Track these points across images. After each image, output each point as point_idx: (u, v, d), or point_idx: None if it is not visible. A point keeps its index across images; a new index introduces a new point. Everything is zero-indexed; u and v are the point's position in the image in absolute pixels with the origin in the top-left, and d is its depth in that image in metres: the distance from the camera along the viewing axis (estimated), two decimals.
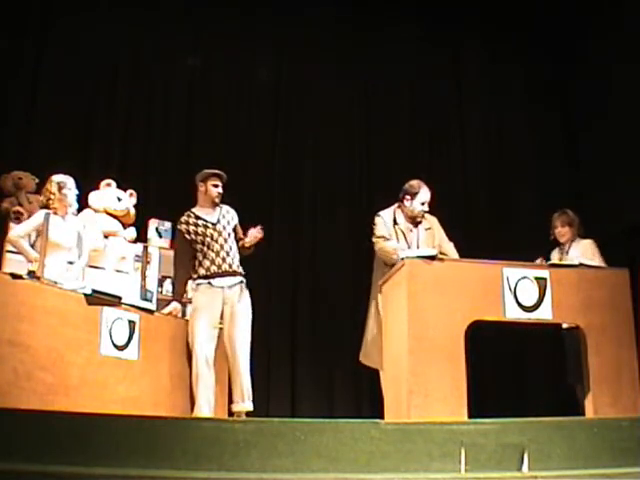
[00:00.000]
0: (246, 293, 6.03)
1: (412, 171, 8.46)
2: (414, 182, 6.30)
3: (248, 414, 5.84)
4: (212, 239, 6.02)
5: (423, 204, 6.24)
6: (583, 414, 5.69)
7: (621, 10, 7.73)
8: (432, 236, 6.27)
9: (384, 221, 6.26)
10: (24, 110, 8.07)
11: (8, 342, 5.00)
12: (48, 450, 4.05)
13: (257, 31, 8.62)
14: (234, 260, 6.05)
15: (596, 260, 6.23)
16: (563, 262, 5.99)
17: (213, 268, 5.97)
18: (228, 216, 6.19)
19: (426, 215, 6.31)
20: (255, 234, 6.15)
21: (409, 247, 6.13)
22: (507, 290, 5.49)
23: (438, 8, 8.90)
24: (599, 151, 8.11)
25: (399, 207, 6.32)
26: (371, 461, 4.23)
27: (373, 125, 8.87)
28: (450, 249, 6.31)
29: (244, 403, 5.84)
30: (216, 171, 6.16)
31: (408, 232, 6.23)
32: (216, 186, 6.13)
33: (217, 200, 6.14)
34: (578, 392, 6.33)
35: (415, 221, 6.27)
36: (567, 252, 6.50)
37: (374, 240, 6.26)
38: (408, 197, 6.25)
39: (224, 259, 6.00)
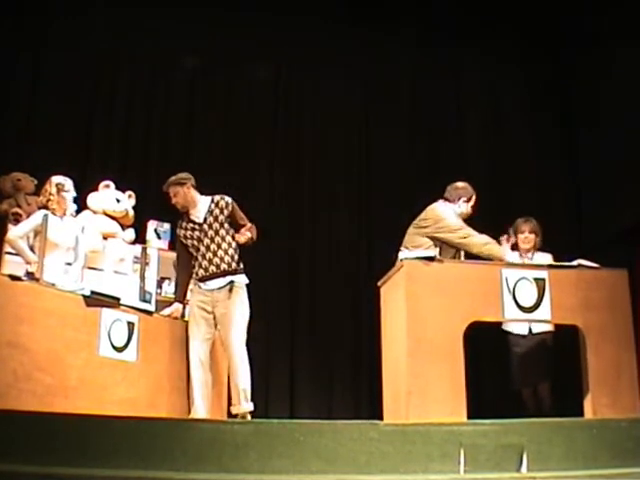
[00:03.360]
0: (237, 293, 5.92)
1: (410, 171, 8.54)
2: (467, 185, 6.29)
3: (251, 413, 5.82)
4: (198, 241, 5.98)
5: (473, 208, 6.26)
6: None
7: (621, 10, 7.71)
8: None
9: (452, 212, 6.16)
10: (23, 111, 8.07)
11: (7, 344, 5.02)
12: (47, 451, 4.07)
13: (257, 32, 8.60)
14: (223, 259, 5.93)
15: None
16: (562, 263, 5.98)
17: (201, 272, 5.95)
18: (217, 209, 6.04)
19: None
20: (246, 234, 6.01)
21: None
22: (506, 291, 5.49)
23: (436, 8, 8.88)
24: (598, 152, 8.09)
25: (455, 205, 6.23)
26: (370, 462, 4.24)
27: (372, 125, 8.85)
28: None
29: (240, 405, 5.77)
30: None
31: None
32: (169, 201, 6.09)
33: (180, 208, 6.05)
34: (525, 396, 6.54)
35: None
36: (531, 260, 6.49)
37: (458, 228, 6.04)
38: (465, 199, 6.23)
39: (210, 260, 5.93)
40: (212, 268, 5.93)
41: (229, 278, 5.93)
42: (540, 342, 6.45)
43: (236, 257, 5.99)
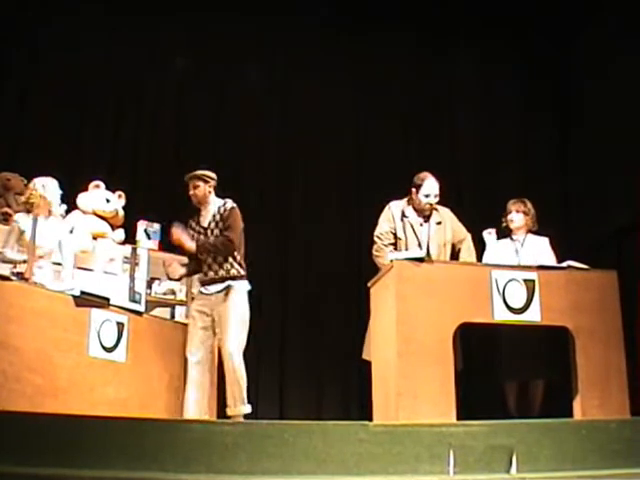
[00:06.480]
0: (233, 296, 5.82)
1: (404, 172, 8.53)
2: (421, 174, 6.23)
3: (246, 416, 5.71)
4: None
5: (427, 196, 6.16)
6: (512, 417, 5.79)
7: (620, 10, 7.70)
8: (443, 231, 6.22)
9: (391, 213, 6.20)
10: (14, 111, 8.06)
11: None
12: (36, 452, 4.05)
13: (250, 32, 8.60)
14: (222, 265, 5.86)
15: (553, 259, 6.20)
16: (551, 264, 5.97)
17: (201, 276, 5.94)
18: (219, 215, 5.96)
19: (438, 208, 6.26)
20: (174, 267, 6.09)
21: (418, 242, 6.09)
22: (495, 292, 5.50)
23: (432, 8, 8.88)
24: (588, 154, 8.11)
25: (410, 199, 6.25)
26: (359, 463, 4.23)
27: (367, 125, 8.84)
28: (465, 244, 6.30)
29: (235, 407, 5.68)
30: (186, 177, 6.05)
31: (418, 226, 6.17)
32: (187, 189, 6.01)
33: (195, 202, 5.99)
34: (507, 391, 6.22)
35: (424, 214, 6.21)
36: (522, 244, 6.33)
37: (375, 236, 6.20)
38: (414, 189, 6.20)
39: (210, 266, 5.88)
40: (211, 274, 5.88)
41: (227, 283, 5.85)
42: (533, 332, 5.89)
43: (235, 264, 5.89)
